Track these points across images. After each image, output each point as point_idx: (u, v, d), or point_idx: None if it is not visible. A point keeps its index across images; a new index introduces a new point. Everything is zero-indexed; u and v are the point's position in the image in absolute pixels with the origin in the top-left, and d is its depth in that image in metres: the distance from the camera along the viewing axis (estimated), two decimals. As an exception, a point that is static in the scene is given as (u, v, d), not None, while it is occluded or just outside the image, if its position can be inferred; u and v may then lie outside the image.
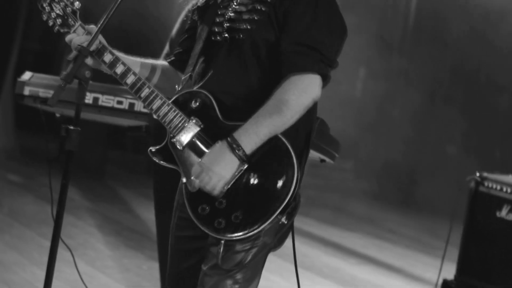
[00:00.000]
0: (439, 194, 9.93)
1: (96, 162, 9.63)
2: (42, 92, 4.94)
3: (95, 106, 4.94)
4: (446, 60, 10.59)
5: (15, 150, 9.90)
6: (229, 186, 3.06)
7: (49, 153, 4.43)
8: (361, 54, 10.27)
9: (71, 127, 3.16)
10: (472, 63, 10.33)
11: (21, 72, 5.21)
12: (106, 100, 4.93)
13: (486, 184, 6.06)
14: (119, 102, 4.93)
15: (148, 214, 8.11)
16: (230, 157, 3.04)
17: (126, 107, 4.92)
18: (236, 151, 3.03)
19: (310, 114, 3.23)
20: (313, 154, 4.61)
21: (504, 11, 9.62)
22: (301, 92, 3.08)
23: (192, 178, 3.10)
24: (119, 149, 11.03)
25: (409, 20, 10.49)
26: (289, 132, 3.11)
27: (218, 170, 3.04)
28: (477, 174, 6.16)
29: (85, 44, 3.18)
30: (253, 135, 3.05)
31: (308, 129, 3.25)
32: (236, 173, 3.06)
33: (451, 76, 10.80)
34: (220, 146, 3.07)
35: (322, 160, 4.85)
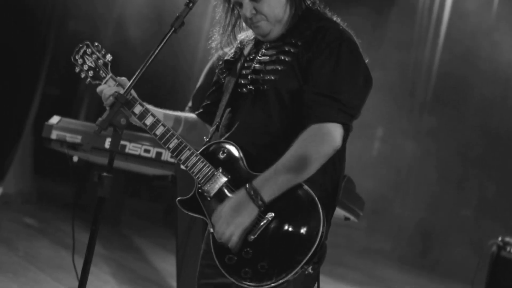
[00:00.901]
0: (459, 257, 9.89)
1: (112, 210, 9.62)
2: (70, 137, 4.95)
3: (122, 153, 4.95)
4: (466, 122, 10.60)
5: (32, 194, 9.91)
6: (254, 236, 3.06)
7: (74, 198, 4.42)
8: (381, 112, 10.29)
9: (104, 174, 3.16)
10: (491, 126, 10.34)
11: (40, 117, 5.26)
12: (133, 148, 4.95)
13: (508, 249, 6.01)
14: (146, 151, 4.94)
15: (162, 264, 8.07)
16: (249, 205, 3.06)
17: (153, 156, 4.93)
18: (255, 199, 3.05)
19: (338, 168, 3.24)
20: (338, 212, 4.60)
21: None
22: (321, 141, 3.09)
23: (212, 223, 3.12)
24: (136, 197, 11.03)
25: (431, 81, 10.53)
26: (317, 184, 3.11)
27: (236, 217, 3.07)
28: (500, 238, 6.12)
29: (121, 92, 3.21)
30: (272, 183, 3.06)
31: (335, 183, 3.25)
32: (261, 224, 3.06)
33: (482, 139, 10.79)
34: (239, 194, 3.09)
35: (347, 218, 4.84)
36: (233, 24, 3.48)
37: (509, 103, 9.82)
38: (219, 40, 3.50)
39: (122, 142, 4.93)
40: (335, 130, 3.12)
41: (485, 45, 9.64)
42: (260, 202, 3.06)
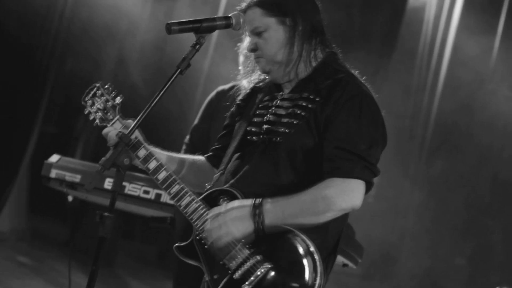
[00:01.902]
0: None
1: (107, 250, 9.53)
2: (69, 176, 4.95)
3: (121, 194, 4.95)
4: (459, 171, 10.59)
5: (26, 232, 9.84)
6: (250, 287, 3.01)
7: (70, 237, 4.40)
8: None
9: (106, 214, 3.14)
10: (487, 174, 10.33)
11: (37, 155, 5.26)
12: (133, 189, 4.94)
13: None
14: (146, 192, 4.93)
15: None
16: (248, 222, 3.05)
17: (153, 197, 4.93)
18: (256, 219, 3.02)
19: (343, 219, 3.22)
20: (337, 259, 4.58)
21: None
22: (343, 195, 3.06)
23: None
24: (130, 238, 10.96)
25: (428, 130, 10.54)
26: (319, 236, 3.08)
27: (231, 226, 3.05)
28: None
29: (125, 132, 3.20)
30: (279, 211, 3.04)
31: (337, 236, 3.23)
32: (257, 273, 3.03)
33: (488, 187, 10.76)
34: (244, 207, 3.07)
35: (345, 265, 4.82)
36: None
37: (507, 153, 9.82)
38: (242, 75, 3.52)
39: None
40: (359, 188, 3.10)
41: (484, 92, 9.67)
42: (259, 225, 3.03)
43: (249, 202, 3.08)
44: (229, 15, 3.29)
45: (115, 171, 3.16)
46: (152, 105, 3.17)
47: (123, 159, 3.16)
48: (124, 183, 4.91)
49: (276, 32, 3.28)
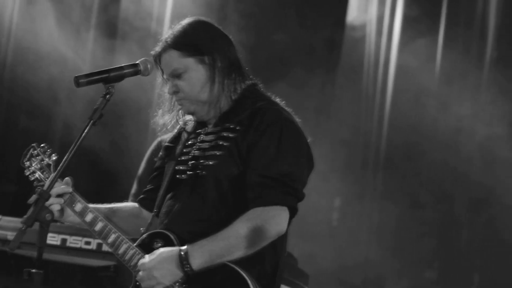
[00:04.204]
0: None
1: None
2: (10, 235, 4.95)
3: (63, 247, 4.96)
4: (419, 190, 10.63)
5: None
6: None
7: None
8: (336, 183, 10.31)
9: (34, 270, 3.14)
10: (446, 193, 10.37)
11: (-1, 214, 5.27)
12: (74, 241, 4.96)
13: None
14: (87, 243, 4.95)
15: None
16: (175, 268, 3.07)
17: (94, 248, 4.95)
18: (183, 263, 3.04)
19: (279, 249, 3.23)
20: (283, 288, 4.60)
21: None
22: (266, 224, 3.07)
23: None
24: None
25: (380, 152, 10.56)
26: (254, 266, 3.10)
27: (159, 276, 3.07)
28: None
29: (44, 187, 3.21)
30: (206, 253, 3.06)
31: (275, 264, 3.23)
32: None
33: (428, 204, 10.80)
34: (171, 253, 3.09)
35: (292, 294, 4.83)
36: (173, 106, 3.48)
37: (452, 165, 9.86)
38: (162, 123, 3.52)
39: (63, 236, 4.94)
40: (281, 214, 3.12)
41: (432, 106, 9.72)
42: (187, 268, 3.04)
43: (175, 251, 3.10)
44: (137, 62, 3.31)
45: (39, 227, 3.17)
46: (69, 158, 3.18)
47: (44, 214, 3.16)
48: (65, 237, 4.93)
49: (196, 72, 3.30)
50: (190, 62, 3.30)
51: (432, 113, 9.51)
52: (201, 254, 3.06)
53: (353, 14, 9.53)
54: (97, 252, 4.95)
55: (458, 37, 9.50)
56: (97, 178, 8.38)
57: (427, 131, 9.71)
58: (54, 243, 4.96)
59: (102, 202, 3.56)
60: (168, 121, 3.50)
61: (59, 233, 4.95)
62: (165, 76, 3.38)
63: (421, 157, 10.14)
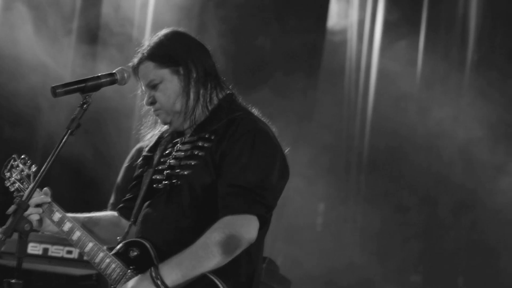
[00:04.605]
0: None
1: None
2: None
3: (45, 257, 4.96)
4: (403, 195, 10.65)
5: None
6: None
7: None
8: (320, 188, 10.32)
9: (13, 281, 3.15)
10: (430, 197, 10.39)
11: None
12: (56, 251, 4.96)
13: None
14: (69, 252, 4.95)
15: None
16: (149, 286, 3.06)
17: (76, 257, 4.95)
18: (156, 280, 3.04)
19: (254, 258, 3.24)
20: (264, 294, 4.61)
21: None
22: (235, 233, 3.09)
23: None
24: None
25: (363, 155, 10.58)
26: (229, 276, 3.11)
27: None
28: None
29: (23, 198, 3.21)
30: (176, 268, 3.06)
31: (251, 273, 3.24)
32: None
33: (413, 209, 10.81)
34: (143, 276, 3.10)
35: (275, 300, 4.84)
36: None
37: (434, 168, 9.89)
38: (144, 133, 3.54)
39: (44, 246, 4.94)
40: (250, 223, 3.13)
41: (413, 109, 9.75)
42: (160, 284, 3.05)
43: (147, 272, 3.11)
44: (113, 71, 3.32)
45: (18, 237, 3.17)
46: (47, 168, 3.19)
47: (23, 225, 3.16)
48: (47, 246, 4.93)
49: (171, 82, 3.32)
50: (165, 73, 3.33)
51: (413, 116, 9.54)
52: (172, 271, 3.07)
53: (333, 19, 9.55)
54: (79, 261, 4.95)
55: (439, 41, 9.54)
56: (82, 186, 8.35)
57: (408, 134, 9.73)
58: (36, 252, 4.95)
59: (88, 210, 3.58)
60: (149, 131, 3.53)
61: (40, 242, 4.95)
62: (143, 87, 3.40)
63: (404, 161, 10.17)
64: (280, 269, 4.60)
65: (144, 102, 3.39)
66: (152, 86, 3.35)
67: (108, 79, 3.29)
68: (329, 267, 11.06)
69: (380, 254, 11.01)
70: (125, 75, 3.33)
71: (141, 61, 3.38)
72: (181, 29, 3.47)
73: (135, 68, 3.39)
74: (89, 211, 3.60)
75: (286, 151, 3.28)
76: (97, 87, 3.25)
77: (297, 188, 8.92)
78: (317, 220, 11.83)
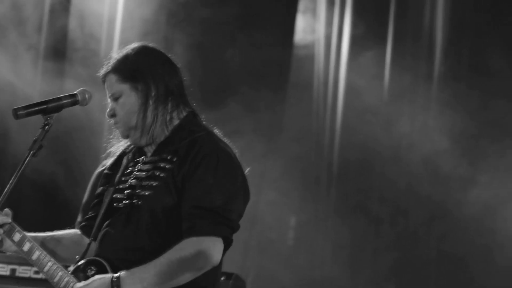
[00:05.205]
0: None
1: None
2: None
3: (13, 277, 4.93)
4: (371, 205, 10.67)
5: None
6: None
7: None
8: (291, 202, 10.33)
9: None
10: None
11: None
12: (23, 271, 4.93)
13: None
14: (36, 272, 4.92)
15: None
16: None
17: (44, 277, 4.91)
18: None
19: (209, 276, 3.23)
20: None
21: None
22: (198, 254, 3.09)
23: None
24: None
25: (333, 169, 10.59)
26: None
27: None
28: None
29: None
30: (137, 279, 3.08)
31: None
32: None
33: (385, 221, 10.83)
34: (103, 281, 3.11)
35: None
36: None
37: (404, 180, 9.92)
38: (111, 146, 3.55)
39: (12, 266, 4.92)
40: (215, 245, 3.14)
41: (380, 122, 9.78)
42: None
43: (108, 277, 3.12)
44: (75, 92, 3.34)
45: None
46: (10, 189, 3.20)
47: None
48: (14, 267, 4.91)
49: (129, 98, 3.33)
50: (125, 88, 3.35)
51: (381, 129, 9.57)
52: (133, 281, 3.08)
53: (300, 34, 9.58)
54: (47, 282, 4.91)
55: (406, 54, 9.58)
56: (53, 205, 8.30)
57: (377, 147, 9.77)
58: (4, 273, 4.93)
59: (59, 229, 3.59)
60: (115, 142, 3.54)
61: (8, 263, 4.92)
62: (108, 99, 3.42)
63: (373, 173, 10.20)
64: (247, 285, 4.60)
65: (106, 113, 3.41)
66: (114, 98, 3.37)
67: (69, 100, 3.31)
68: (302, 280, 11.06)
69: (353, 266, 11.03)
70: (86, 96, 3.35)
71: (106, 73, 3.39)
72: (151, 44, 3.48)
73: (102, 78, 3.41)
74: (61, 229, 3.60)
75: (246, 171, 3.29)
76: (58, 109, 3.28)
77: (268, 201, 8.94)
78: (289, 234, 11.83)
